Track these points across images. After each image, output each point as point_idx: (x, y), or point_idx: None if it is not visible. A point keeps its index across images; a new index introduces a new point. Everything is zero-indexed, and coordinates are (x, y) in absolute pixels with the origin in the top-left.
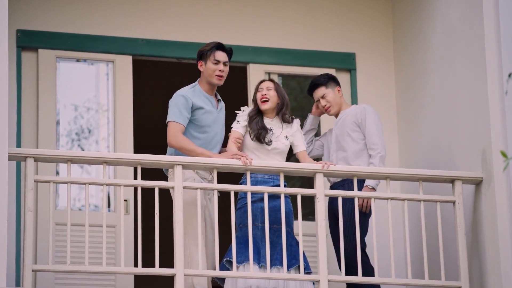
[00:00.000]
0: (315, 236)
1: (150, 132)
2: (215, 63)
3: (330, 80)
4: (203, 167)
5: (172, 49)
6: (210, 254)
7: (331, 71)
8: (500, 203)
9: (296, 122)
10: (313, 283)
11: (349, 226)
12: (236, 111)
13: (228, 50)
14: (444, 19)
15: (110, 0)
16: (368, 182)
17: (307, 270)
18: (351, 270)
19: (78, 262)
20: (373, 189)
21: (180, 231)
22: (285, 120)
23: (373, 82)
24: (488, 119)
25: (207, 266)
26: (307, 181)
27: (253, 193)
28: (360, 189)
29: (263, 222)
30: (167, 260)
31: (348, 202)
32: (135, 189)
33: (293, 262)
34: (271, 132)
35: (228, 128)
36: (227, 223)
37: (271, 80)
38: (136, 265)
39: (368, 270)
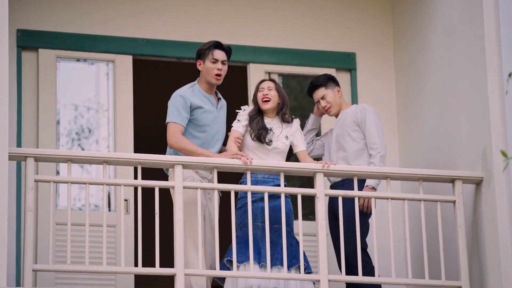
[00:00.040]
0: (315, 236)
1: (150, 132)
2: (214, 62)
3: (330, 80)
4: (204, 167)
5: (172, 49)
6: (208, 254)
7: (331, 71)
8: (500, 202)
9: (296, 122)
10: (313, 283)
11: (350, 226)
12: (236, 110)
13: (227, 49)
14: (444, 19)
15: (110, 0)
16: (368, 182)
17: (308, 270)
18: (352, 270)
19: (78, 262)
20: (374, 189)
21: (180, 230)
22: (285, 120)
23: (373, 82)
24: (488, 118)
25: (205, 266)
26: (307, 180)
27: (253, 193)
28: (360, 189)
29: (263, 222)
30: (167, 260)
31: (348, 202)
32: (135, 189)
33: (293, 262)
34: (271, 132)
35: (229, 127)
36: (227, 223)
37: (271, 80)
38: (136, 264)
39: (370, 270)
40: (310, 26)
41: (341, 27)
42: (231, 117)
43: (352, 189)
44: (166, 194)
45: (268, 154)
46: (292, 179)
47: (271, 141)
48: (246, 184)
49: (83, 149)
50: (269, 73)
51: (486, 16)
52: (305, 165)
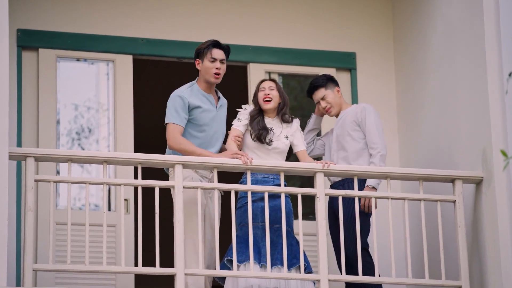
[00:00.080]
0: (315, 236)
1: (150, 132)
2: (212, 61)
3: (329, 81)
4: (204, 166)
5: (172, 48)
6: (207, 254)
7: (332, 71)
8: (501, 202)
9: (296, 121)
10: (314, 283)
11: (350, 226)
12: (237, 109)
13: (225, 48)
14: (444, 19)
15: (110, 0)
16: (369, 182)
17: (308, 270)
18: (353, 269)
19: (78, 262)
20: (374, 188)
21: (180, 230)
22: (285, 120)
23: (374, 82)
24: (489, 118)
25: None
26: (307, 180)
27: (253, 193)
28: (361, 189)
29: (263, 222)
30: (168, 260)
31: (349, 202)
32: (136, 189)
33: (293, 262)
34: (271, 132)
35: (229, 126)
36: (227, 222)
37: (272, 79)
38: (136, 264)
39: (371, 270)
40: (310, 26)
41: (341, 27)
42: (231, 117)
43: (352, 188)
44: (166, 193)
45: (268, 154)
46: (292, 179)
47: (271, 141)
48: (246, 183)
49: (83, 149)
50: (269, 73)
51: (486, 16)
52: (305, 165)
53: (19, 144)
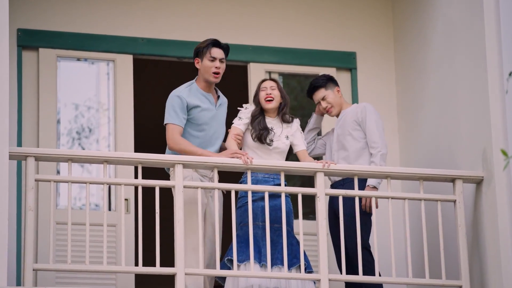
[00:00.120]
0: (315, 235)
1: (150, 131)
2: (212, 60)
3: (329, 81)
4: (204, 166)
5: (172, 48)
6: (208, 254)
7: (332, 70)
8: (501, 202)
9: (296, 121)
10: (314, 282)
11: (351, 225)
12: (238, 108)
13: (225, 47)
14: (444, 19)
15: None
16: (370, 182)
17: (308, 269)
18: (354, 269)
19: (78, 261)
20: (375, 188)
21: (181, 230)
22: (285, 120)
23: (374, 82)
24: (489, 118)
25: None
26: (308, 180)
27: (253, 192)
28: (361, 188)
29: (264, 221)
30: (168, 259)
31: (349, 201)
32: (136, 188)
33: (294, 262)
34: (272, 132)
35: (229, 125)
36: (228, 222)
37: (273, 79)
38: (136, 264)
39: (372, 270)
40: (310, 26)
41: (341, 27)
42: (232, 117)
43: (353, 188)
44: (166, 193)
45: (269, 154)
46: (293, 179)
47: (272, 141)
48: (246, 183)
49: (83, 149)
50: (270, 73)
51: (487, 16)
52: (305, 165)
53: (19, 144)
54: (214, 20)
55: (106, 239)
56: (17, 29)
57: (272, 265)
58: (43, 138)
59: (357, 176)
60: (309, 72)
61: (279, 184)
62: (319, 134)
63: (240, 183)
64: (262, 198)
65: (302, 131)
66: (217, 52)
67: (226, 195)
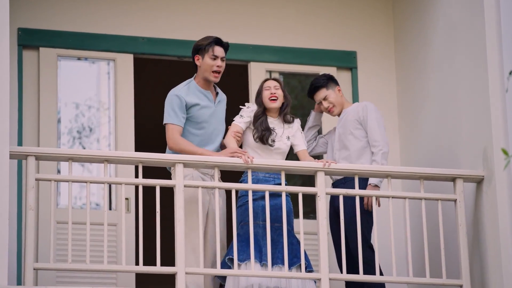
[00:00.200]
0: (316, 235)
1: (151, 130)
2: (213, 59)
3: (330, 80)
4: (204, 165)
5: (173, 47)
6: (211, 253)
7: (332, 70)
8: (501, 201)
9: (297, 121)
10: (315, 282)
11: (354, 224)
12: (240, 106)
13: (225, 45)
14: (445, 18)
15: None
16: (371, 180)
17: (309, 269)
18: (357, 268)
19: (79, 261)
20: (377, 186)
21: (181, 229)
22: (287, 120)
23: (374, 81)
24: (489, 117)
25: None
26: (308, 179)
27: (254, 191)
28: (363, 187)
29: (264, 220)
30: (168, 259)
31: (351, 200)
32: (136, 188)
33: (294, 261)
34: (274, 133)
35: (229, 122)
36: (228, 221)
37: (276, 79)
38: (137, 263)
39: (374, 269)
40: (311, 25)
41: (342, 26)
42: (232, 116)
43: (354, 187)
44: (167, 192)
45: (270, 154)
46: (293, 178)
47: (273, 141)
48: (246, 182)
49: (84, 148)
50: (270, 72)
51: (487, 15)
52: (306, 164)
53: (19, 143)
54: (215, 19)
55: (106, 238)
56: (17, 28)
57: (272, 265)
58: (43, 138)
59: (358, 176)
60: (309, 71)
61: (280, 184)
62: (319, 132)
63: (241, 182)
64: (263, 197)
65: (302, 131)
66: (219, 51)
67: (227, 194)
